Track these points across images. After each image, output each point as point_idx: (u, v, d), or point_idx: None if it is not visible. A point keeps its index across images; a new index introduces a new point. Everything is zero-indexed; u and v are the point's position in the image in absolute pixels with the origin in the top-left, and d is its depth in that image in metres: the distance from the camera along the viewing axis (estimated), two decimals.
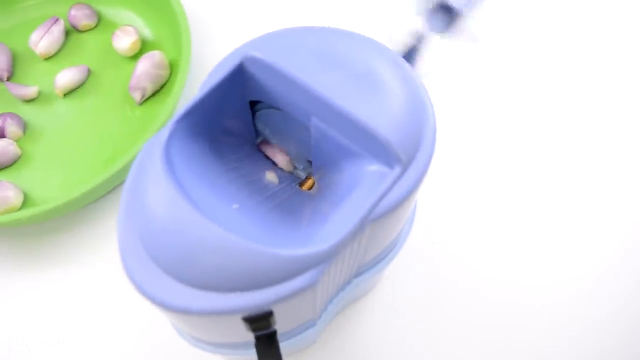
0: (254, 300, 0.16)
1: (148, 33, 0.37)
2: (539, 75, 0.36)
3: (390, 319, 0.28)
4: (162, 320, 0.29)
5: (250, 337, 0.20)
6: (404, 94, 0.18)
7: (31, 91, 0.35)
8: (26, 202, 0.31)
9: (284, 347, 0.22)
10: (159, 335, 0.28)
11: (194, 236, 0.16)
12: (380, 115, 0.18)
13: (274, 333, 0.20)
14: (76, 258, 0.30)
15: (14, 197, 0.30)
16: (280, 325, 0.20)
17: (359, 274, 0.23)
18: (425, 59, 0.20)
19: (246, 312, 0.16)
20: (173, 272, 0.17)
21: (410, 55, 0.20)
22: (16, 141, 0.33)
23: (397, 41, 0.20)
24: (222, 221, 0.17)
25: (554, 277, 0.30)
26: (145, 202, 0.17)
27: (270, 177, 0.22)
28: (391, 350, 0.28)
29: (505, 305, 0.29)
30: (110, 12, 0.38)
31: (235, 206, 0.18)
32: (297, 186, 0.22)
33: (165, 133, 0.19)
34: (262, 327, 0.17)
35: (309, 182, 0.23)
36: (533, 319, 0.29)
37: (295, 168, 0.24)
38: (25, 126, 0.34)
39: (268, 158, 0.23)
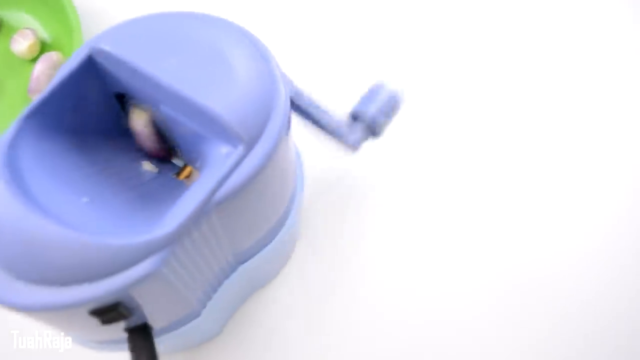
0: (94, 291, 0.16)
1: (46, 35, 0.36)
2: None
3: (298, 303, 0.28)
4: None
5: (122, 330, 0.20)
6: (248, 73, 0.18)
7: None
8: None
9: (171, 339, 0.22)
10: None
11: (26, 232, 0.16)
12: (219, 95, 0.17)
13: (146, 325, 0.19)
14: None
15: None
16: (154, 317, 0.20)
17: (243, 259, 0.23)
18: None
19: (89, 305, 0.16)
20: (13, 269, 0.16)
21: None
22: None
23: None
24: (60, 215, 0.16)
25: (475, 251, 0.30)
26: None
27: (147, 166, 0.22)
28: (300, 335, 0.28)
29: (412, 288, 0.29)
30: (9, 16, 0.37)
31: (85, 199, 0.18)
32: (173, 175, 0.22)
33: (10, 132, 0.18)
34: (113, 318, 0.17)
35: (186, 171, 0.22)
36: (447, 297, 0.29)
37: (176, 157, 0.23)
38: None
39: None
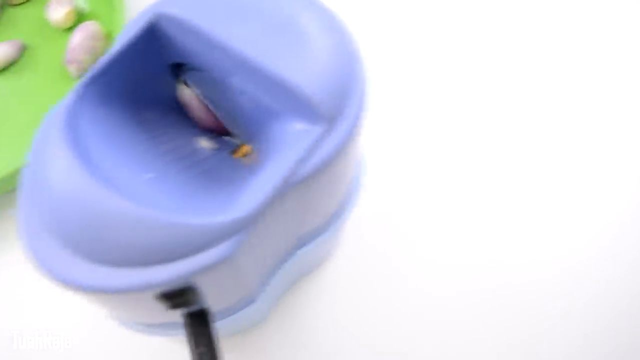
0: (165, 275, 0.15)
1: (83, 4, 0.35)
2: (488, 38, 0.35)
3: (346, 291, 0.27)
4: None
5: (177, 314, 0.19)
6: (328, 45, 0.17)
7: None
8: None
9: (223, 325, 0.21)
10: (93, 323, 0.27)
11: (93, 208, 0.14)
12: (299, 68, 0.16)
13: (205, 311, 0.18)
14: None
15: None
16: (212, 302, 0.18)
17: (301, 244, 0.21)
18: None
19: (158, 288, 0.15)
20: (76, 247, 0.15)
21: None
22: None
23: None
24: (127, 191, 0.15)
25: (507, 245, 0.29)
26: (45, 175, 0.16)
27: (204, 143, 0.21)
28: (347, 323, 0.27)
29: (465, 275, 0.28)
30: None
31: (149, 175, 0.17)
32: (229, 152, 0.21)
33: (71, 97, 0.17)
34: (181, 304, 0.16)
35: (244, 149, 0.21)
36: (494, 288, 0.28)
37: (232, 134, 0.22)
38: None
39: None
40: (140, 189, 0.16)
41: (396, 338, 0.27)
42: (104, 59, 0.17)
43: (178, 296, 0.16)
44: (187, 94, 0.20)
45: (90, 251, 0.15)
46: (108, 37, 0.33)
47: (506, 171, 0.31)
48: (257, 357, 0.26)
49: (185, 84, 0.20)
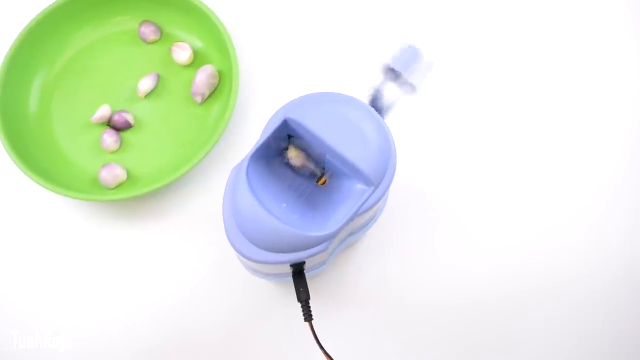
0: (294, 257, 0.32)
1: (199, 44, 0.49)
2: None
3: (370, 254, 0.44)
4: (231, 266, 0.44)
5: (287, 269, 0.36)
6: (378, 140, 0.32)
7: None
8: (128, 177, 0.46)
9: (308, 274, 0.38)
10: (230, 271, 0.44)
11: (262, 224, 0.31)
12: (363, 156, 0.32)
13: (303, 268, 0.35)
14: (165, 218, 0.46)
15: (122, 174, 0.45)
16: (308, 264, 0.36)
17: (351, 234, 0.38)
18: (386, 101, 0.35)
19: (290, 262, 0.32)
20: (253, 241, 0.32)
21: (376, 98, 0.35)
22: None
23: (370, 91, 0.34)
24: (277, 215, 0.32)
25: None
26: (237, 202, 0.32)
27: (303, 181, 0.36)
28: (368, 275, 0.44)
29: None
30: (169, 28, 0.50)
31: (284, 205, 0.33)
32: (315, 182, 0.37)
33: (246, 162, 0.33)
34: (298, 267, 0.33)
35: (323, 179, 0.37)
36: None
37: (315, 170, 0.38)
38: None
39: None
40: (282, 213, 0.32)
41: (419, 292, 0.44)
42: (259, 141, 0.33)
43: (298, 265, 0.33)
44: (293, 155, 0.36)
45: (258, 242, 0.32)
46: (221, 75, 0.48)
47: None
48: (322, 290, 0.43)
49: (294, 146, 0.36)
